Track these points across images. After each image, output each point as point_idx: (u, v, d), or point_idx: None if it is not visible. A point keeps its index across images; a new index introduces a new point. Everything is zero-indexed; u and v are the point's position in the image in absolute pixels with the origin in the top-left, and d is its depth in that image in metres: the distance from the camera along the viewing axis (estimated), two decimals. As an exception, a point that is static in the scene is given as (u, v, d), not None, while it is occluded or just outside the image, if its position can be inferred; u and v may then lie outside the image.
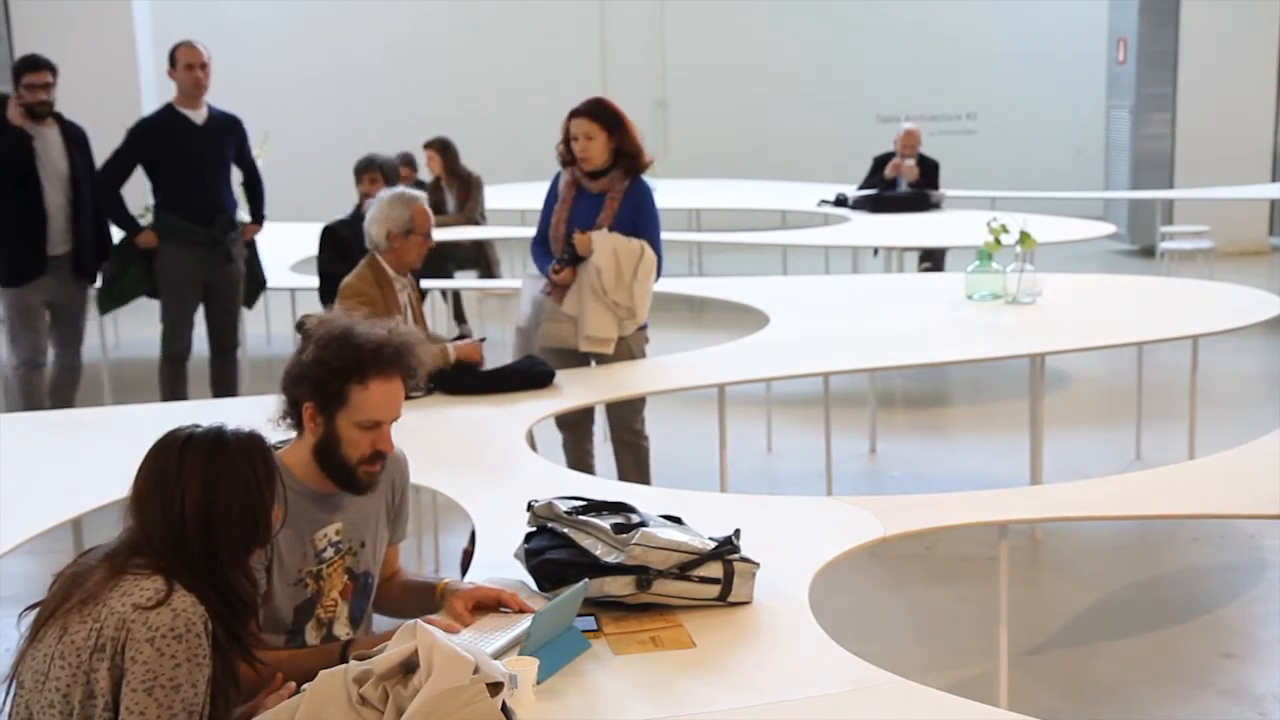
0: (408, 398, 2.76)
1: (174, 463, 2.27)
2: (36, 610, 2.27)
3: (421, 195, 4.70)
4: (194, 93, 6.28)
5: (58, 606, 2.23)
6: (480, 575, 2.88)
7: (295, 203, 10.25)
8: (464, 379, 4.54)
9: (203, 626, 2.17)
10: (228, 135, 6.42)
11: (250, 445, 2.34)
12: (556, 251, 4.95)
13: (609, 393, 4.79)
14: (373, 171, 6.52)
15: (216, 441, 2.31)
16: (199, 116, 6.27)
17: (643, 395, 4.90)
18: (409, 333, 2.75)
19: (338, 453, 2.65)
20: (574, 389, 4.64)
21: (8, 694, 2.25)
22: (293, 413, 2.68)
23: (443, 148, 9.11)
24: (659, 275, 5.00)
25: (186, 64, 6.23)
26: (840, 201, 9.40)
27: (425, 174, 9.31)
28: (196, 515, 2.24)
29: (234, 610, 2.25)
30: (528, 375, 4.59)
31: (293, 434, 2.73)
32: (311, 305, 7.98)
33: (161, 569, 2.20)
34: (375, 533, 2.81)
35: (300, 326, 2.79)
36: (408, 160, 8.95)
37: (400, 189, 4.74)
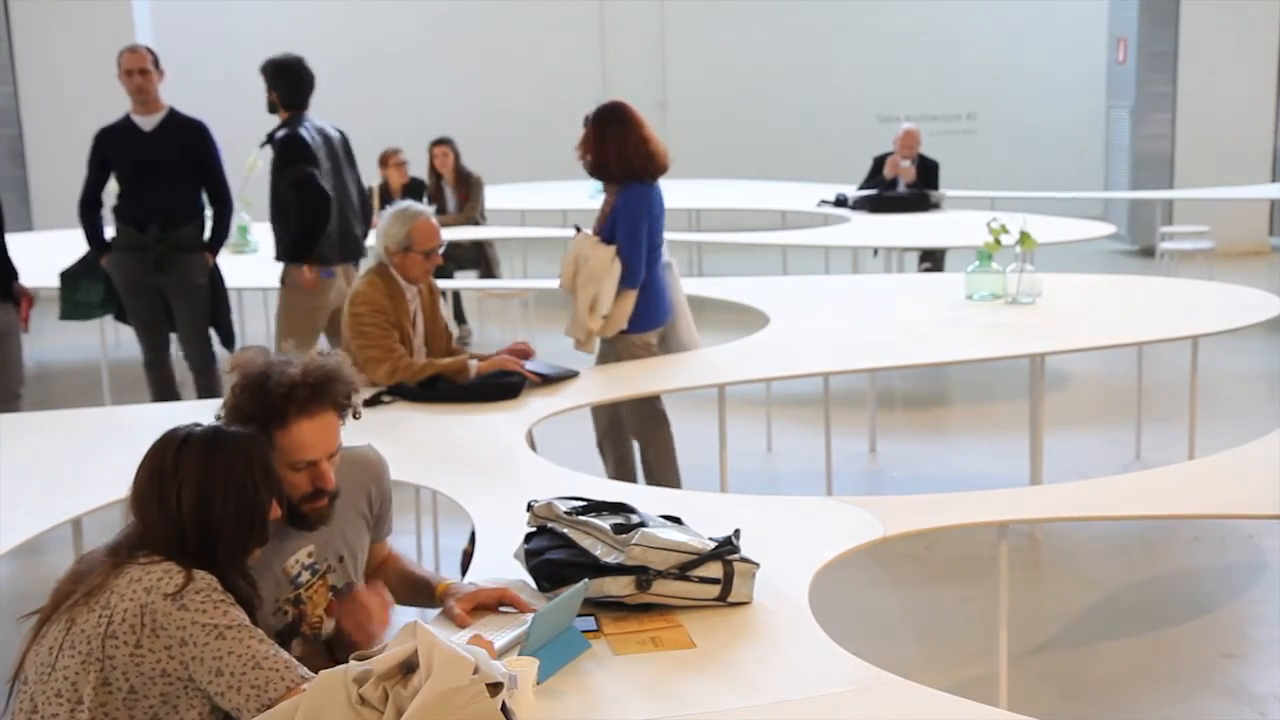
0: (355, 414, 2.70)
1: (170, 462, 2.29)
2: (38, 613, 2.29)
3: (425, 210, 4.61)
4: (138, 98, 6.15)
5: (61, 603, 2.24)
6: (480, 575, 2.88)
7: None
8: (422, 389, 4.47)
9: (221, 587, 2.23)
10: (181, 142, 6.15)
11: (247, 445, 2.35)
12: None
13: (608, 393, 4.79)
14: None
15: (212, 441, 2.32)
16: (149, 123, 6.14)
17: (631, 397, 4.92)
18: (327, 364, 2.63)
19: (281, 495, 2.56)
20: (573, 389, 4.64)
21: (11, 692, 2.26)
22: None
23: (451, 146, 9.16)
24: (630, 283, 5.03)
25: (126, 70, 6.12)
26: (840, 202, 9.40)
27: (419, 172, 9.31)
28: (193, 515, 2.26)
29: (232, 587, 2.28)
30: (489, 388, 4.49)
31: None
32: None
33: (167, 558, 2.24)
34: (351, 544, 2.77)
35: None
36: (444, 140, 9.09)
37: (408, 203, 4.68)
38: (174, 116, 6.19)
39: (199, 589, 2.19)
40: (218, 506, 2.28)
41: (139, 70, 6.11)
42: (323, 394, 2.59)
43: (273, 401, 2.54)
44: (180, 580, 2.19)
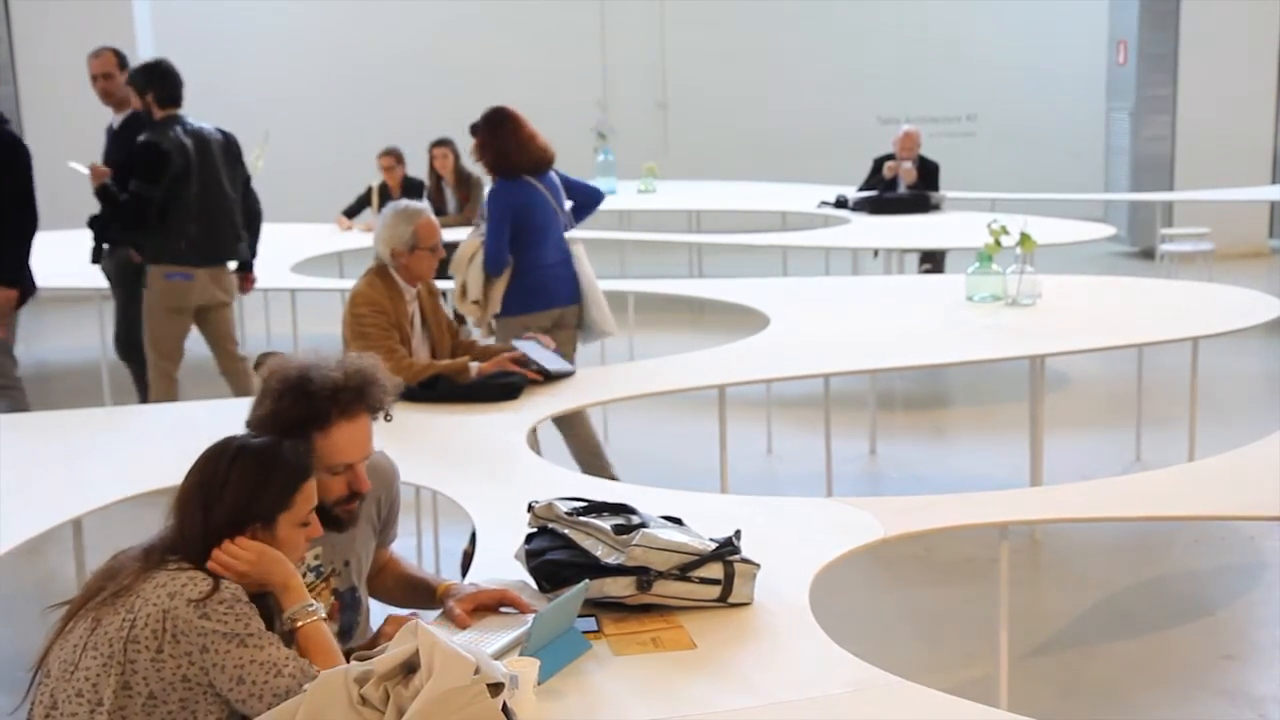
0: (387, 416, 2.72)
1: (222, 471, 2.32)
2: (66, 606, 2.30)
3: (425, 207, 4.64)
4: (103, 101, 6.31)
5: (89, 599, 2.26)
6: (480, 576, 2.88)
7: (295, 203, 10.25)
8: (423, 389, 4.46)
9: (246, 597, 2.23)
10: (128, 145, 6.19)
11: (302, 465, 2.38)
12: None
13: (608, 393, 4.80)
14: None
15: (266, 455, 2.35)
16: (116, 122, 6.29)
17: (631, 398, 4.92)
18: (366, 367, 2.66)
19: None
20: (574, 389, 4.64)
21: (33, 682, 2.27)
22: None
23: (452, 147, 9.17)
24: (489, 270, 5.25)
25: (90, 75, 6.26)
26: (840, 203, 9.40)
27: (417, 171, 9.32)
28: (232, 526, 2.29)
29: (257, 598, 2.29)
30: (489, 388, 4.50)
31: None
32: (310, 305, 8.00)
33: (196, 567, 2.25)
34: (359, 549, 2.79)
35: (258, 367, 2.72)
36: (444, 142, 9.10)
37: (405, 203, 4.70)
38: (133, 119, 6.25)
39: (223, 599, 2.20)
40: (260, 515, 2.31)
41: (102, 75, 6.34)
42: (363, 397, 2.61)
43: (317, 405, 2.55)
44: (206, 588, 2.20)
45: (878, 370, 5.98)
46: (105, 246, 6.38)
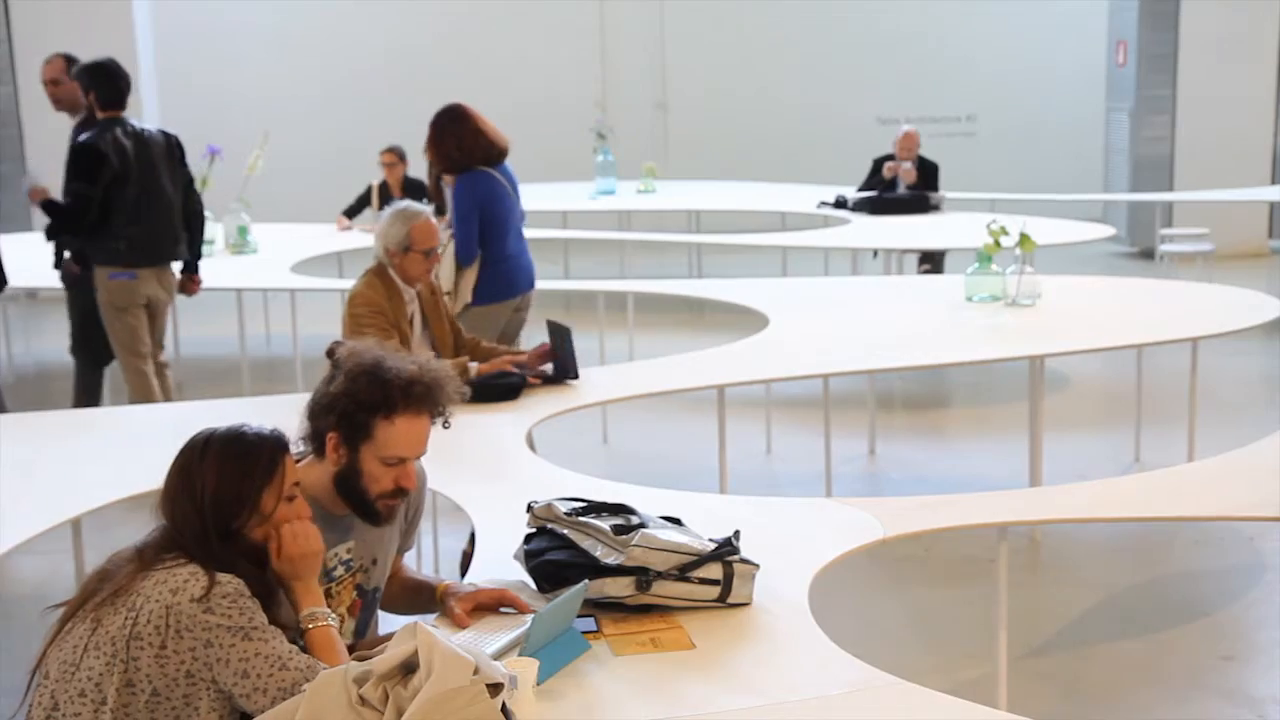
0: (446, 423, 2.74)
1: (198, 462, 2.34)
2: (63, 607, 2.30)
3: (424, 210, 4.62)
4: (55, 107, 6.31)
5: (86, 600, 2.26)
6: (480, 576, 2.89)
7: (294, 203, 10.25)
8: None
9: (248, 591, 2.25)
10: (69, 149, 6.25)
11: (275, 440, 2.40)
12: None
13: (608, 393, 4.80)
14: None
15: (235, 437, 2.37)
16: (74, 125, 6.25)
17: (634, 398, 4.91)
18: (441, 369, 2.71)
19: (358, 485, 2.63)
20: (574, 390, 4.64)
21: (30, 684, 2.28)
22: (315, 440, 2.65)
23: None
24: (461, 261, 5.33)
25: (42, 81, 6.28)
26: (840, 203, 9.40)
27: (417, 172, 9.31)
28: (223, 511, 2.31)
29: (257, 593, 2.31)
30: (489, 388, 4.48)
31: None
32: (310, 305, 8.00)
33: (193, 561, 2.26)
34: (387, 549, 2.81)
35: (330, 354, 2.75)
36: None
37: (406, 203, 4.69)
38: (85, 122, 6.19)
39: (225, 593, 2.21)
40: (246, 495, 2.34)
41: (50, 81, 6.34)
42: (431, 396, 2.65)
43: (389, 392, 2.59)
44: (205, 583, 2.21)
45: (877, 370, 5.98)
46: (66, 254, 6.38)
